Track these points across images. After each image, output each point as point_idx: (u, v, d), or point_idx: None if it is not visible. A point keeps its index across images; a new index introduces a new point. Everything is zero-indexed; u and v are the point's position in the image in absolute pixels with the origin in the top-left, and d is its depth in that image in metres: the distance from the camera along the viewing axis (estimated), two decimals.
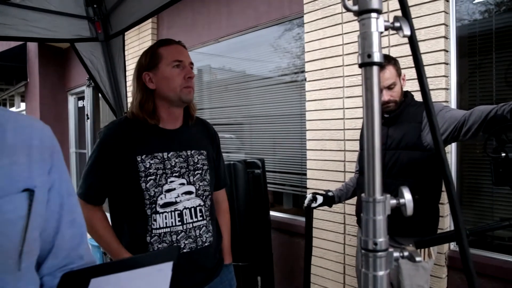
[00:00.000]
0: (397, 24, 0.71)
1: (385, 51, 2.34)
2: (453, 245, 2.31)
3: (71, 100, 7.40)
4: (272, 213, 3.16)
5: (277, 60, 3.41)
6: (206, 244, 1.44)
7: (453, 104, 2.24)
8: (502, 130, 1.17)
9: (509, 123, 1.17)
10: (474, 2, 2.26)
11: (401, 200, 0.71)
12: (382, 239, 0.68)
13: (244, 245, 2.78)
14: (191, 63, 1.45)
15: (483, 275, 2.08)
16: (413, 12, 2.17)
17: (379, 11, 0.69)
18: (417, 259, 0.71)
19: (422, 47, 2.20)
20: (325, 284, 2.79)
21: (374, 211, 0.69)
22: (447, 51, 2.20)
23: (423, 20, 2.21)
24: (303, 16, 2.89)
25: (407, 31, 0.72)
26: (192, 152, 1.46)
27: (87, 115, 4.30)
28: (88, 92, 6.65)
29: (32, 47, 7.24)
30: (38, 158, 0.74)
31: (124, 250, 1.36)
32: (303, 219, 3.08)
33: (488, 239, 2.22)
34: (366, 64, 0.69)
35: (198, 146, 1.49)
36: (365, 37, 0.69)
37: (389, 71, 1.77)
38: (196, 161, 1.45)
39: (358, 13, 0.70)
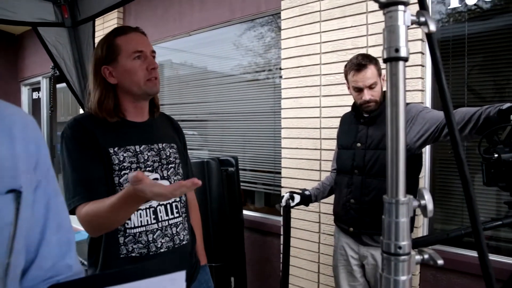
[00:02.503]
0: (422, 19, 0.69)
1: (363, 51, 2.35)
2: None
3: (25, 91, 6.94)
4: (244, 212, 3.11)
5: (251, 57, 3.36)
6: (184, 242, 1.35)
7: (428, 104, 2.29)
8: (494, 131, 1.19)
9: (501, 125, 1.19)
10: (448, 7, 2.33)
11: (422, 202, 0.68)
12: (405, 242, 0.66)
13: (217, 245, 2.72)
14: (153, 51, 1.34)
15: (467, 274, 2.14)
16: None
17: (406, 4, 0.66)
18: (439, 262, 0.69)
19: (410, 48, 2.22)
20: (300, 283, 2.78)
21: (397, 213, 0.66)
22: (423, 54, 2.25)
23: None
24: (280, 13, 2.85)
25: (432, 27, 0.70)
26: (164, 145, 1.37)
27: (51, 107, 4.02)
28: (44, 83, 6.27)
29: None
30: (23, 152, 0.63)
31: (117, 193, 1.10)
32: (275, 218, 3.09)
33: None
34: (392, 59, 0.66)
35: (168, 139, 1.40)
36: (392, 31, 0.66)
37: (371, 70, 1.78)
38: (168, 154, 1.36)
39: (384, 5, 0.67)
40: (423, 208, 0.68)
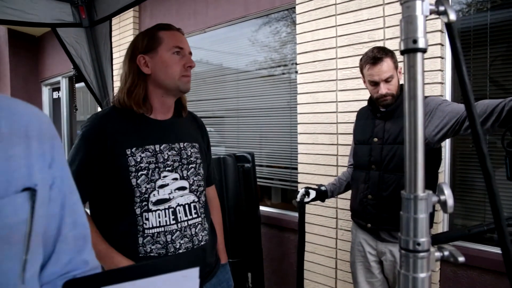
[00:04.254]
0: (441, 8, 0.67)
1: (380, 44, 2.31)
2: None
3: (45, 91, 7.10)
4: (261, 208, 3.11)
5: (266, 52, 3.35)
6: (202, 243, 1.35)
7: (448, 97, 2.24)
8: None
9: None
10: None
11: (442, 197, 0.66)
12: (424, 239, 0.64)
13: (234, 241, 2.73)
14: (190, 53, 1.36)
15: (489, 271, 2.09)
16: None
17: None
18: (460, 259, 0.67)
19: None
20: (317, 279, 2.77)
21: (415, 209, 0.64)
22: (442, 45, 2.19)
23: None
24: (295, 7, 2.83)
25: (452, 16, 0.67)
26: (185, 144, 1.36)
27: (74, 106, 4.10)
28: (64, 83, 6.39)
29: (1, 33, 6.87)
30: (38, 150, 0.64)
31: (115, 252, 1.22)
32: (292, 213, 3.08)
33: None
34: (410, 50, 0.64)
35: (190, 138, 1.40)
36: (409, 21, 0.64)
37: (387, 63, 1.74)
38: (189, 154, 1.36)
39: None
40: (443, 204, 0.66)
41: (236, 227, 2.73)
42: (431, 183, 1.75)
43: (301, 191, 1.98)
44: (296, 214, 1.99)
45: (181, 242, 1.28)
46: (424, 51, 0.64)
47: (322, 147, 2.67)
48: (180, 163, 1.32)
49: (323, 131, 2.66)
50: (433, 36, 2.18)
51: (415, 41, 0.64)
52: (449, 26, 0.71)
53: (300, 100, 2.80)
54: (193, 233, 1.32)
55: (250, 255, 2.80)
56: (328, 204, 2.61)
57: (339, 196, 2.42)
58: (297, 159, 2.87)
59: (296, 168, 2.89)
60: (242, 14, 3.35)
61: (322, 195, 2.02)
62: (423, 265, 0.65)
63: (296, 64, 2.85)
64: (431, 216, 1.79)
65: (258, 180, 3.17)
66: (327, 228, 2.68)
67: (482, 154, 0.70)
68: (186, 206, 1.32)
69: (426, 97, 1.75)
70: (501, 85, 2.23)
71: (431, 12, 0.66)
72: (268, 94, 3.34)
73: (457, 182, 2.33)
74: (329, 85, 2.62)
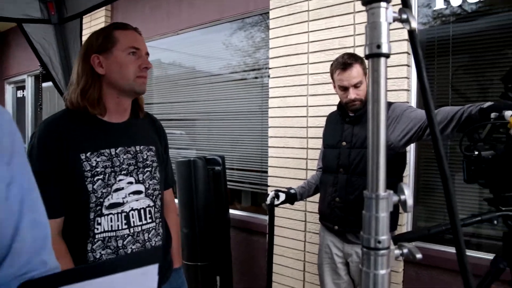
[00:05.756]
0: (404, 16, 0.70)
1: (350, 51, 2.37)
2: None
3: (9, 89, 6.82)
4: (230, 211, 3.11)
5: (239, 56, 3.36)
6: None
7: (413, 103, 2.32)
8: (475, 129, 1.21)
9: (481, 123, 1.21)
10: (434, 9, 2.36)
11: (402, 197, 0.69)
12: (385, 237, 0.66)
13: (202, 244, 2.71)
14: (147, 54, 1.33)
15: (448, 270, 2.18)
16: None
17: (388, 1, 0.67)
18: (418, 256, 0.70)
19: None
20: (285, 281, 2.79)
21: (377, 208, 0.67)
22: (409, 54, 2.28)
23: None
24: (268, 12, 2.86)
25: (414, 24, 0.71)
26: (141, 147, 1.33)
27: (39, 104, 3.95)
28: (29, 81, 6.16)
29: None
30: None
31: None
32: (262, 216, 3.09)
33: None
34: (374, 55, 0.66)
35: (146, 141, 1.37)
36: (374, 27, 0.67)
37: (356, 69, 1.79)
38: (145, 157, 1.33)
39: (366, 2, 0.68)
40: (403, 203, 0.69)
41: (205, 230, 2.72)
42: (398, 184, 1.81)
43: (271, 194, 2.00)
44: (265, 217, 2.00)
45: (133, 247, 1.25)
46: (387, 56, 0.66)
47: (292, 151, 2.70)
48: (136, 167, 1.29)
49: (293, 135, 2.69)
50: (400, 44, 2.26)
51: (378, 46, 0.66)
52: (411, 33, 0.74)
53: (272, 104, 2.83)
54: (146, 238, 1.29)
55: (219, 259, 2.79)
56: (297, 207, 2.65)
57: (308, 199, 2.46)
58: (267, 163, 2.89)
59: (267, 172, 2.91)
60: (216, 17, 3.35)
61: (291, 198, 2.04)
62: (383, 262, 0.67)
63: (269, 68, 2.87)
64: (396, 218, 1.86)
65: (228, 183, 3.17)
66: (296, 231, 2.71)
67: (440, 157, 0.74)
68: (141, 210, 1.29)
69: (392, 103, 1.82)
70: (462, 93, 2.34)
71: (395, 20, 0.69)
72: (240, 97, 3.35)
73: (421, 186, 2.41)
74: (300, 90, 2.66)
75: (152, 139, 1.41)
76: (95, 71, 1.25)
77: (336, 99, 2.00)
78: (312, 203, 2.55)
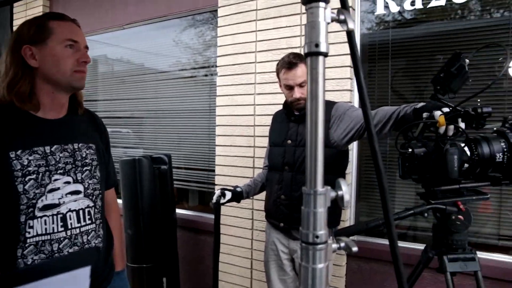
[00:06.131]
0: (342, 17, 0.71)
1: (297, 51, 2.41)
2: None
3: None
4: (177, 210, 3.05)
5: (188, 53, 3.31)
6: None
7: (355, 103, 2.42)
8: (409, 128, 1.28)
9: (415, 122, 1.29)
10: (375, 13, 2.47)
11: (339, 192, 0.71)
12: (322, 232, 0.68)
13: (148, 245, 2.63)
14: (86, 47, 1.26)
15: (387, 262, 2.29)
16: None
17: (326, 1, 0.68)
18: (354, 249, 0.72)
19: (331, 50, 2.32)
20: (232, 280, 2.79)
21: (315, 203, 0.68)
22: None
23: (332, 25, 2.34)
24: (217, 10, 2.84)
25: (351, 25, 0.73)
26: (80, 145, 1.26)
27: None
28: None
29: None
30: None
31: None
32: (209, 216, 3.07)
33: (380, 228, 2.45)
34: (312, 53, 0.67)
35: (85, 138, 1.30)
36: (313, 26, 0.68)
37: (301, 69, 1.83)
38: (84, 155, 1.26)
39: (306, 2, 0.69)
40: (340, 199, 0.71)
41: (150, 230, 2.64)
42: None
43: (217, 192, 1.99)
44: (213, 216, 1.99)
45: (70, 251, 1.19)
46: (325, 55, 0.68)
47: (240, 149, 2.71)
48: (74, 166, 1.23)
49: (240, 134, 2.70)
50: (344, 46, 2.34)
51: (317, 45, 0.67)
52: (349, 34, 0.77)
53: (219, 102, 2.82)
54: (85, 240, 1.23)
55: (165, 259, 2.73)
56: (244, 205, 2.66)
57: (255, 197, 2.47)
58: (214, 161, 2.87)
59: (214, 170, 2.89)
60: (164, 13, 3.27)
61: (237, 196, 2.04)
62: (321, 256, 0.68)
63: (216, 66, 2.85)
64: (338, 214, 1.92)
65: (175, 182, 3.11)
66: (243, 229, 2.71)
67: (374, 153, 0.76)
68: (80, 211, 1.23)
69: (336, 103, 1.87)
70: (401, 94, 2.47)
71: (333, 20, 0.70)
72: (188, 95, 3.30)
73: (363, 182, 2.52)
74: (247, 89, 2.67)
75: (92, 136, 1.34)
76: (27, 63, 1.16)
77: (283, 98, 2.03)
78: (259, 201, 2.57)
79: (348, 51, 2.29)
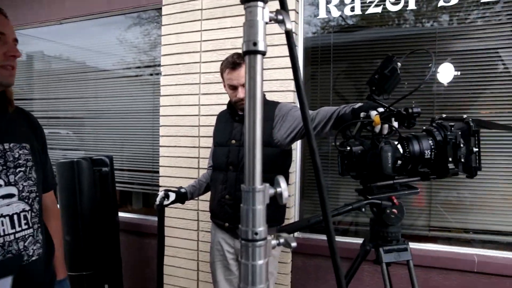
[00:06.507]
0: (280, 17, 0.73)
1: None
2: (297, 233, 2.56)
3: None
4: (120, 214, 2.94)
5: (131, 51, 3.20)
6: (33, 258, 1.19)
7: (298, 104, 2.47)
8: (347, 127, 1.34)
9: (352, 121, 1.34)
10: (317, 17, 2.55)
11: (278, 189, 0.72)
12: (261, 228, 0.68)
13: (88, 251, 2.51)
14: (16, 40, 1.18)
15: (320, 255, 2.36)
16: None
17: (265, 1, 0.69)
18: (293, 244, 0.74)
19: (275, 51, 2.37)
20: (179, 282, 2.73)
21: (253, 201, 0.68)
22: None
23: (276, 27, 2.38)
24: (161, 8, 2.77)
25: (289, 25, 0.74)
26: (11, 145, 1.18)
27: None
28: None
29: None
30: None
31: None
32: (154, 218, 2.99)
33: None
34: (251, 52, 0.68)
35: (18, 138, 1.22)
36: (251, 25, 0.68)
37: (245, 69, 1.83)
38: (16, 156, 1.19)
39: (244, 1, 0.69)
40: (279, 195, 0.72)
41: (90, 235, 2.52)
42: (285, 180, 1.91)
43: (160, 193, 1.94)
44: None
45: (3, 259, 1.10)
46: (263, 53, 0.68)
47: (184, 150, 2.67)
48: (5, 167, 1.15)
49: (185, 134, 2.66)
50: (286, 48, 2.38)
51: (255, 44, 0.68)
52: (287, 34, 0.78)
53: (163, 102, 2.76)
54: (21, 247, 1.15)
55: (107, 265, 2.61)
56: (189, 206, 2.62)
57: (200, 198, 2.45)
58: (158, 162, 2.80)
59: (158, 172, 2.82)
60: (104, 8, 3.14)
61: (181, 197, 2.01)
62: (260, 253, 0.69)
63: (160, 66, 2.79)
64: (283, 212, 1.95)
65: (117, 185, 3.00)
66: (188, 230, 2.68)
67: (312, 150, 0.78)
68: (15, 216, 1.15)
69: (279, 103, 1.91)
70: (342, 96, 2.57)
71: (271, 19, 0.71)
72: (131, 95, 3.20)
73: (306, 181, 2.59)
74: (192, 88, 2.64)
75: (25, 136, 1.25)
76: None
77: (227, 98, 2.03)
78: (205, 202, 2.55)
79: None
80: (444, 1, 2.30)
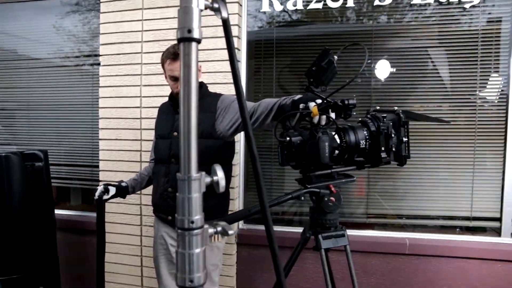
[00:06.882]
0: (215, 5, 0.73)
1: None
2: (241, 224, 2.59)
3: None
4: (57, 211, 2.79)
5: (67, 40, 3.02)
6: None
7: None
8: (286, 117, 1.37)
9: (291, 112, 1.38)
10: (260, 11, 2.57)
11: (215, 178, 0.72)
12: (198, 217, 0.68)
13: (20, 253, 2.35)
14: None
15: (265, 246, 2.40)
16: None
17: None
18: (230, 232, 0.74)
19: (219, 43, 2.35)
20: (122, 280, 2.65)
21: (189, 189, 0.68)
22: (239, 50, 2.43)
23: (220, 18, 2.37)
24: None
25: (224, 14, 0.74)
26: None
27: None
28: None
29: None
30: None
31: None
32: (94, 214, 2.85)
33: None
34: (185, 39, 0.67)
35: None
36: (186, 12, 0.68)
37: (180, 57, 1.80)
38: None
39: None
40: (216, 184, 0.72)
41: (22, 235, 2.36)
42: (226, 174, 1.91)
43: (99, 188, 1.87)
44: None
45: None
46: (198, 41, 0.68)
47: (126, 143, 2.58)
48: None
49: (126, 127, 2.57)
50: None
51: (190, 31, 0.67)
52: (224, 22, 0.78)
53: (103, 93, 2.64)
54: None
55: (42, 266, 2.47)
56: (131, 201, 2.55)
57: (143, 192, 2.39)
58: (98, 156, 2.68)
59: (98, 166, 2.70)
60: None
61: (122, 191, 1.94)
62: (197, 241, 0.69)
63: (99, 55, 2.66)
64: (226, 204, 1.96)
65: (54, 180, 2.84)
66: (131, 226, 2.60)
67: (249, 139, 0.79)
68: None
69: (222, 95, 1.90)
70: (285, 89, 2.62)
71: (206, 7, 0.71)
72: (68, 86, 3.02)
73: (250, 173, 2.61)
74: (133, 80, 2.55)
75: None
76: None
77: (170, 90, 1.99)
78: (148, 196, 2.48)
79: (236, 45, 2.35)
80: (380, 1, 2.42)
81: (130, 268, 2.64)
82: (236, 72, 0.77)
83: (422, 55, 2.43)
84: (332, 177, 1.44)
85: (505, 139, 2.32)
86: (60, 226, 2.74)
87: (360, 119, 1.49)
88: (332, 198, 1.41)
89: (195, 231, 0.69)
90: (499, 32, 2.34)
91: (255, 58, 2.62)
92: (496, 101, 2.37)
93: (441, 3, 2.36)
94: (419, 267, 2.34)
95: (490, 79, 2.36)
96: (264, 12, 2.58)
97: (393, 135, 1.37)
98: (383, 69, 2.46)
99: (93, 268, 2.82)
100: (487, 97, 2.38)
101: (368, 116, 1.46)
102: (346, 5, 2.45)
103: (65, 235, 2.85)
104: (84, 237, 2.86)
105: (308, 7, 2.50)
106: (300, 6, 2.51)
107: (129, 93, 2.56)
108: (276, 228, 2.56)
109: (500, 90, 2.35)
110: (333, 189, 1.41)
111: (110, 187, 1.88)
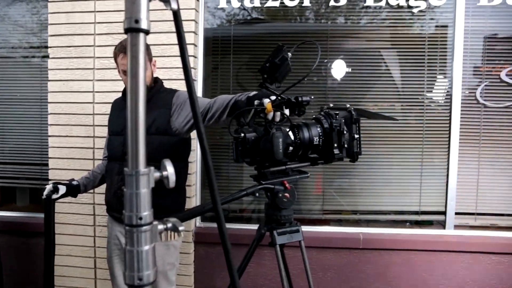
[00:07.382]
0: None
1: None
2: (198, 222, 2.56)
3: None
4: (1, 213, 2.63)
5: (13, 31, 2.84)
6: None
7: (199, 93, 2.47)
8: (241, 113, 1.36)
9: (246, 108, 1.38)
10: (218, 7, 2.55)
11: (164, 173, 0.71)
12: (146, 213, 0.67)
13: None
14: None
15: (232, 244, 2.39)
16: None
17: None
18: (180, 228, 0.73)
19: (175, 38, 2.30)
20: (74, 283, 2.54)
21: (137, 184, 0.66)
22: (196, 46, 2.40)
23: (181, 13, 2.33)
24: None
25: (174, 5, 0.73)
26: None
27: None
28: None
29: None
30: None
31: None
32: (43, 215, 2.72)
33: (225, 213, 2.58)
34: (132, 29, 0.65)
35: None
36: (133, 1, 0.66)
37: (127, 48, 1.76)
38: None
39: None
40: (166, 179, 0.71)
41: None
42: (182, 171, 1.89)
43: (48, 186, 1.78)
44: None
45: None
46: (146, 32, 0.66)
47: (77, 140, 2.47)
48: None
49: (78, 123, 2.47)
50: (187, 36, 2.35)
51: (137, 21, 0.65)
52: (174, 14, 0.77)
53: (52, 88, 2.51)
54: None
55: None
56: (84, 200, 2.45)
57: (96, 190, 2.31)
58: (47, 154, 2.55)
59: (47, 164, 2.57)
60: None
61: (73, 190, 1.86)
62: (146, 238, 0.67)
63: (48, 47, 2.53)
64: (182, 202, 1.93)
65: None
66: (84, 226, 2.50)
67: (200, 133, 0.79)
68: None
69: (177, 91, 1.87)
70: (243, 86, 2.62)
71: None
72: (13, 79, 2.85)
73: None
74: (85, 74, 2.45)
75: None
76: None
77: (124, 85, 1.94)
78: (101, 195, 2.39)
79: (192, 41, 2.33)
80: (335, 1, 2.48)
81: (82, 271, 2.54)
82: (187, 66, 0.76)
83: (376, 56, 2.52)
84: (287, 174, 1.46)
85: (449, 137, 2.46)
86: (4, 229, 2.59)
87: (314, 116, 1.52)
88: (286, 194, 1.42)
89: (144, 227, 0.68)
90: (445, 37, 2.47)
91: (212, 55, 2.60)
92: (441, 102, 2.51)
93: (391, 6, 2.46)
94: (372, 260, 2.43)
95: (437, 81, 2.49)
96: (222, 9, 2.57)
97: (345, 132, 1.41)
98: (339, 68, 2.52)
99: (41, 272, 2.69)
100: (434, 98, 2.51)
101: (322, 113, 1.49)
102: (303, 5, 2.49)
103: (10, 239, 2.69)
104: (32, 239, 2.71)
105: (265, 5, 2.52)
106: (257, 3, 2.52)
107: (80, 88, 2.46)
108: (235, 226, 2.56)
109: (445, 91, 2.49)
110: (287, 185, 1.43)
111: (60, 186, 1.80)
